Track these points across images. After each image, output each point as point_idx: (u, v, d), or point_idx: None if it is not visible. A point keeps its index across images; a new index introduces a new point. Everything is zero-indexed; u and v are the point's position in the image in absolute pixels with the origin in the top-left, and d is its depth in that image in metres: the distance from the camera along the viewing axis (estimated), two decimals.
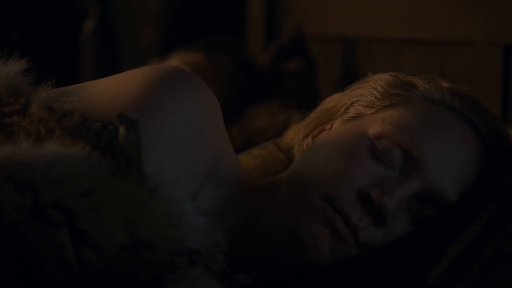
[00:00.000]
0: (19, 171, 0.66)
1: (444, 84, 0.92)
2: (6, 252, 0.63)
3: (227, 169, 0.89)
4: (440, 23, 1.51)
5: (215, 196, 0.89)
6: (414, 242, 0.83)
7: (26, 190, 0.65)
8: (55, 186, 0.68)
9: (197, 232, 0.77)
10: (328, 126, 0.93)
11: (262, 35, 2.16)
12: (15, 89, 0.80)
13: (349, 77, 1.85)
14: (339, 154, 0.85)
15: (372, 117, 0.89)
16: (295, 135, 0.99)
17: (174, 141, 0.79)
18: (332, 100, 0.97)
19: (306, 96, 1.67)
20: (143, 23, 2.76)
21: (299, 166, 0.89)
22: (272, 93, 1.65)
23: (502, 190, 0.85)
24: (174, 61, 1.59)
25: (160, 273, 0.69)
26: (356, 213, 0.81)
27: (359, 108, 0.91)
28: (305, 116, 0.99)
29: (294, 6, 2.09)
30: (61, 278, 0.64)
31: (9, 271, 0.63)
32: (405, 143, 0.84)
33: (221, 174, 0.89)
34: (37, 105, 0.77)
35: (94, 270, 0.65)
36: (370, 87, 0.93)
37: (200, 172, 0.83)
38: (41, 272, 0.64)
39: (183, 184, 0.80)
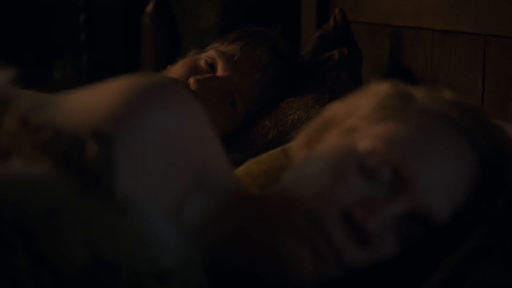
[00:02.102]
0: None
1: (447, 96, 0.88)
2: None
3: (217, 180, 0.88)
4: (481, 16, 1.44)
5: (204, 208, 0.87)
6: (399, 265, 0.80)
7: None
8: (15, 207, 0.68)
9: (169, 250, 0.76)
10: (325, 137, 0.91)
11: (314, 23, 2.12)
12: None
13: (395, 66, 1.82)
14: (327, 171, 0.83)
15: (365, 131, 0.86)
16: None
17: (150, 156, 0.78)
18: (332, 109, 0.94)
19: (348, 87, 1.62)
20: (202, 6, 2.76)
21: (288, 180, 0.87)
22: (310, 84, 1.61)
23: (493, 212, 0.80)
24: (211, 52, 1.57)
25: None
26: (339, 234, 0.79)
27: (355, 120, 0.88)
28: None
29: None
30: None
31: None
32: (394, 160, 0.81)
33: (210, 185, 0.87)
34: (12, 118, 0.77)
35: None
36: (368, 97, 0.90)
37: (180, 186, 0.82)
38: None
39: (160, 200, 0.79)
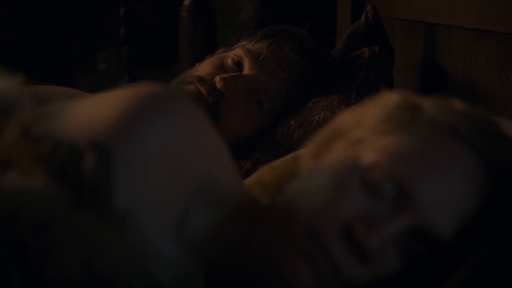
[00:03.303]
0: None
1: (457, 107, 0.86)
2: None
3: (222, 190, 0.87)
4: None
5: (209, 218, 0.87)
6: (401, 282, 0.78)
7: None
8: (8, 221, 0.68)
9: (167, 265, 0.76)
10: (334, 147, 0.89)
11: (349, 19, 2.09)
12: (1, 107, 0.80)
13: (428, 64, 1.78)
14: (329, 184, 0.81)
15: (371, 143, 0.84)
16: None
17: (151, 168, 0.78)
18: (342, 118, 0.92)
19: (377, 86, 1.59)
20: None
21: (291, 192, 0.85)
22: (338, 83, 1.59)
23: (497, 231, 0.78)
24: (237, 50, 1.55)
25: None
26: (339, 249, 0.78)
27: (362, 131, 0.86)
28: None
29: None
30: None
31: None
32: (397, 175, 0.79)
33: (215, 195, 0.86)
34: (13, 127, 0.77)
35: None
36: (377, 107, 0.88)
37: (182, 197, 0.81)
38: None
39: (161, 212, 0.79)
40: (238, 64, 1.53)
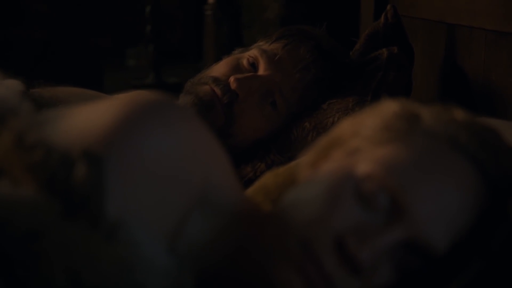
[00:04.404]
0: None
1: (458, 117, 0.84)
2: None
3: (221, 198, 0.87)
4: None
5: (207, 226, 0.86)
6: None
7: None
8: None
9: (157, 276, 0.76)
10: (332, 156, 0.88)
11: (371, 19, 2.07)
12: None
13: (449, 65, 1.75)
14: (323, 195, 0.80)
15: (367, 153, 0.83)
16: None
17: (144, 177, 0.77)
18: (342, 127, 0.91)
19: (395, 88, 1.57)
20: None
21: (287, 201, 0.85)
22: (355, 85, 1.57)
23: (492, 246, 0.76)
24: (253, 51, 1.55)
25: None
26: (331, 262, 0.77)
27: (359, 140, 0.85)
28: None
29: None
30: None
31: None
32: (392, 187, 0.78)
33: (213, 203, 0.86)
34: (8, 135, 0.77)
35: None
36: (375, 116, 0.86)
37: (177, 206, 0.81)
38: None
39: (154, 222, 0.79)
40: (253, 65, 1.52)
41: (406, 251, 0.78)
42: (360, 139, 0.85)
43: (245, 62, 1.53)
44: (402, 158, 0.80)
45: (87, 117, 0.80)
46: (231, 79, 1.47)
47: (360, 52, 1.69)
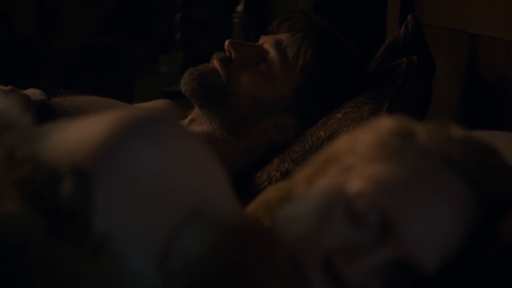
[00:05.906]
0: None
1: (454, 134, 0.83)
2: None
3: (215, 213, 0.86)
4: None
5: (200, 241, 0.86)
6: None
7: None
8: None
9: None
10: (327, 172, 0.87)
11: (397, 26, 2.05)
12: None
13: (471, 76, 1.73)
14: (314, 212, 0.80)
15: (359, 171, 0.82)
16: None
17: (133, 193, 0.77)
18: (338, 143, 0.90)
19: (413, 98, 1.55)
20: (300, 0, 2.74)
21: (279, 217, 0.84)
22: (372, 94, 1.55)
23: (481, 267, 0.75)
24: (266, 42, 1.55)
25: None
26: (319, 281, 0.76)
27: (354, 157, 0.84)
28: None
29: None
30: None
31: None
32: (382, 206, 0.77)
33: (207, 217, 0.86)
34: None
35: None
36: (371, 133, 0.86)
37: (167, 223, 0.81)
38: None
39: (143, 239, 0.78)
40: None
41: (395, 270, 0.77)
42: (354, 156, 0.84)
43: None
44: (394, 176, 0.79)
45: (78, 132, 0.81)
46: (226, 41, 1.54)
47: (379, 62, 1.67)
